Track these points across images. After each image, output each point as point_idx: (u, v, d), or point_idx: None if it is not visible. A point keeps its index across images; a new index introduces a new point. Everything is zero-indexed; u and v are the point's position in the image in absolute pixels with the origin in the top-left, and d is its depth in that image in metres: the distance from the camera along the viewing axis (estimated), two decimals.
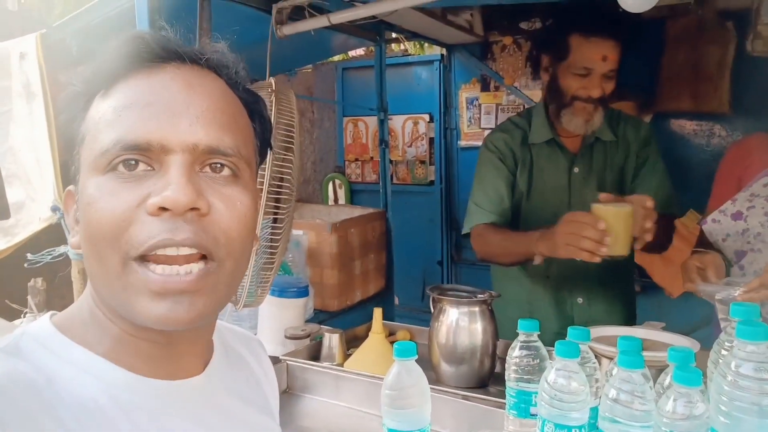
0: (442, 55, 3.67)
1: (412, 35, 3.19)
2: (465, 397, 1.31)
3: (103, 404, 0.58)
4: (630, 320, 1.88)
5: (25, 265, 2.20)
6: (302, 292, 1.77)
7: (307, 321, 1.87)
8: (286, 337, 1.65)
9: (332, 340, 1.63)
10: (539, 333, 1.03)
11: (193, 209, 0.56)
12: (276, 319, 1.71)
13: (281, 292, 1.71)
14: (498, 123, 3.36)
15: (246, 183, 0.63)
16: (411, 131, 3.84)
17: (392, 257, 2.90)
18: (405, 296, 3.40)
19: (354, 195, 4.12)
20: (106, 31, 2.01)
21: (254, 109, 0.68)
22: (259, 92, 0.72)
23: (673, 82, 2.81)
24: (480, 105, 3.56)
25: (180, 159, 0.57)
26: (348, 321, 2.24)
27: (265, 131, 0.71)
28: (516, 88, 3.39)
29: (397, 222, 2.96)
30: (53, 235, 2.19)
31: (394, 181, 3.85)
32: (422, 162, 3.83)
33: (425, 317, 1.61)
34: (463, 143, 3.66)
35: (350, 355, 1.62)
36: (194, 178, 0.58)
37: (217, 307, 0.62)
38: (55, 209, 2.17)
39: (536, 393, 0.94)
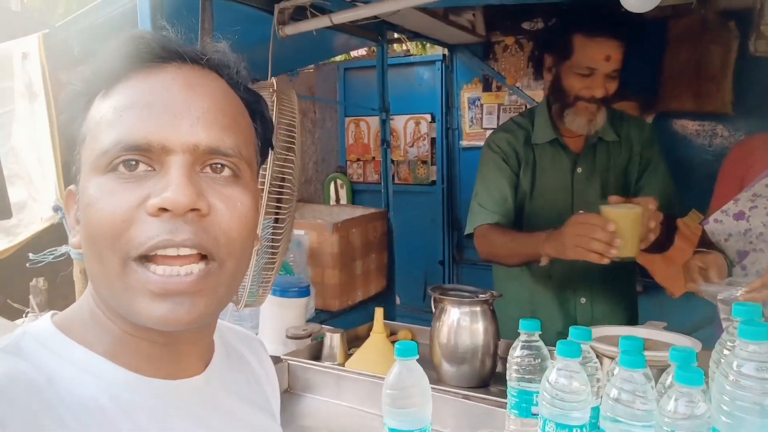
0: (444, 55, 3.67)
1: (414, 35, 3.19)
2: (466, 397, 1.31)
3: (104, 404, 0.58)
4: (632, 320, 1.87)
5: (27, 264, 2.20)
6: (303, 292, 1.77)
7: (309, 321, 1.87)
8: (288, 336, 1.65)
9: (333, 339, 1.63)
10: (540, 333, 1.03)
11: (193, 210, 0.56)
12: (277, 319, 1.71)
13: (282, 291, 1.71)
14: (500, 123, 3.36)
15: (247, 183, 0.63)
16: (413, 131, 3.84)
17: (393, 257, 2.90)
18: (406, 296, 3.40)
19: (355, 195, 4.12)
20: (108, 32, 2.02)
21: (255, 109, 0.68)
22: (260, 92, 0.71)
23: (676, 82, 2.81)
24: (482, 105, 3.56)
25: (180, 159, 0.57)
26: (349, 321, 2.24)
27: (267, 131, 0.70)
28: (518, 88, 3.39)
29: (398, 222, 2.96)
30: (55, 235, 2.20)
31: (396, 181, 3.85)
32: (424, 162, 3.83)
33: (427, 317, 1.61)
34: (464, 143, 3.66)
35: (351, 354, 1.62)
36: (195, 178, 0.58)
37: (218, 307, 0.62)
38: (56, 209, 2.18)
39: (537, 392, 0.94)
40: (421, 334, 1.77)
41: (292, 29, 2.04)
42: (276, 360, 1.50)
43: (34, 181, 2.30)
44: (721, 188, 1.69)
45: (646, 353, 0.86)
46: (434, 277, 3.70)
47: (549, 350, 1.01)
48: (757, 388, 0.70)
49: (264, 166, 1.28)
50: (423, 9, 2.61)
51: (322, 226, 2.44)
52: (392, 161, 3.52)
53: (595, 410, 0.89)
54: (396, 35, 3.23)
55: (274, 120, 1.31)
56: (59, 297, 2.38)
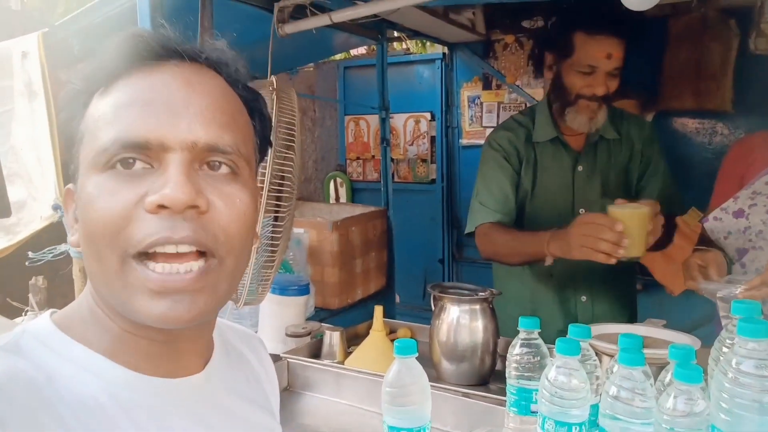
0: (443, 53, 3.67)
1: (414, 34, 3.19)
2: (466, 395, 1.31)
3: (103, 402, 0.58)
4: (632, 318, 1.88)
5: (27, 263, 2.20)
6: (303, 290, 1.77)
7: (308, 319, 1.87)
8: (287, 335, 1.65)
9: (333, 337, 1.63)
10: (540, 330, 1.03)
11: (192, 207, 0.56)
12: (277, 317, 1.71)
13: (282, 290, 1.71)
14: (500, 121, 3.36)
15: (245, 181, 0.63)
16: (412, 130, 3.84)
17: (393, 255, 2.90)
18: (406, 294, 3.41)
19: (355, 193, 4.12)
20: (107, 30, 2.00)
21: (254, 106, 0.68)
22: (260, 91, 0.71)
23: (676, 81, 2.81)
24: (482, 103, 3.56)
25: (179, 157, 0.57)
26: (349, 319, 2.25)
27: (265, 129, 0.70)
28: (518, 86, 3.39)
29: (398, 220, 2.96)
30: (54, 233, 2.20)
31: (396, 179, 3.85)
32: (423, 160, 3.83)
33: (426, 315, 1.61)
34: (464, 142, 3.66)
35: (351, 352, 1.62)
36: (193, 176, 0.58)
37: (218, 305, 0.62)
38: (56, 208, 2.18)
39: (537, 390, 0.94)
40: (420, 332, 1.78)
41: (291, 28, 2.04)
42: (275, 358, 1.50)
43: (34, 180, 2.30)
44: (720, 186, 1.69)
45: (645, 351, 0.86)
46: (434, 276, 3.70)
47: (548, 348, 1.01)
48: (756, 386, 0.70)
49: (263, 164, 1.28)
50: (423, 7, 2.60)
51: (322, 225, 2.44)
52: (392, 160, 3.52)
53: (595, 408, 0.90)
54: (396, 34, 3.22)
55: (273, 118, 1.31)
56: (59, 295, 2.38)
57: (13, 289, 2.40)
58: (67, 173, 0.64)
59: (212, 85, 0.62)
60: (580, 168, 1.78)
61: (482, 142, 1.92)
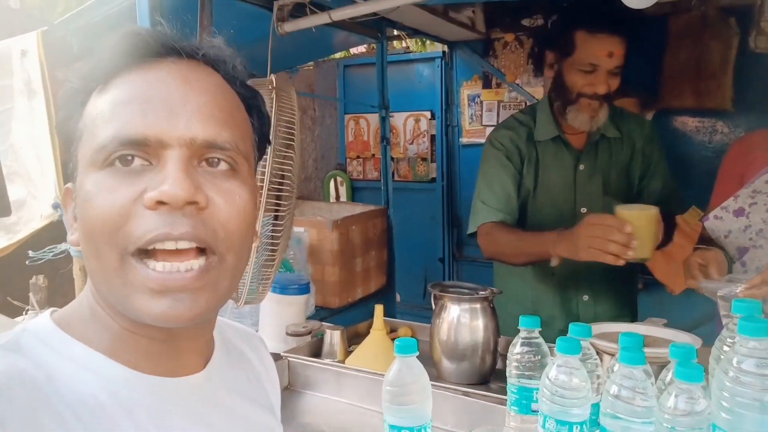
0: (443, 52, 3.67)
1: (414, 32, 3.18)
2: (466, 394, 1.31)
3: (103, 401, 0.57)
4: (633, 317, 1.87)
5: (27, 262, 2.21)
6: (303, 289, 1.77)
7: (309, 318, 1.87)
8: (288, 334, 1.65)
9: (333, 336, 1.63)
10: (541, 330, 1.03)
11: (191, 203, 0.56)
12: (277, 316, 1.71)
13: (282, 289, 1.71)
14: (499, 120, 3.36)
15: (244, 178, 0.62)
16: (412, 128, 3.84)
17: (393, 254, 2.90)
18: (406, 293, 3.40)
19: (355, 192, 4.12)
20: (107, 29, 2.01)
21: (252, 104, 0.68)
22: (259, 89, 0.71)
23: (676, 79, 2.81)
24: (482, 102, 3.55)
25: (177, 153, 0.57)
26: (349, 318, 2.24)
27: (263, 126, 0.70)
28: (518, 85, 3.39)
29: (398, 219, 2.96)
30: (55, 232, 2.20)
31: (396, 178, 3.85)
32: (424, 159, 3.82)
33: (427, 314, 1.61)
34: (464, 140, 3.66)
35: (351, 351, 1.62)
36: (192, 172, 0.58)
37: (219, 303, 0.62)
38: (56, 206, 2.18)
39: (537, 389, 0.94)
40: (421, 331, 1.77)
41: (291, 26, 2.04)
42: (276, 357, 1.50)
43: (34, 179, 2.30)
44: (721, 185, 1.68)
45: (646, 350, 0.86)
46: (434, 275, 3.70)
47: (549, 347, 1.01)
48: (757, 385, 0.70)
49: (263, 162, 1.28)
50: (422, 6, 2.60)
51: (322, 224, 2.44)
52: (392, 158, 3.52)
53: (595, 407, 0.89)
54: (395, 32, 3.22)
55: (273, 117, 1.30)
56: (59, 294, 2.38)
57: (14, 288, 2.40)
58: (67, 172, 0.64)
59: (210, 82, 0.62)
60: (581, 167, 1.78)
61: (482, 140, 1.92)
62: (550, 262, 1.57)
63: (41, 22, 2.64)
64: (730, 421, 0.72)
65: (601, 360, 1.06)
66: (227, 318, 0.89)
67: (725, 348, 0.90)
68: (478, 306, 1.49)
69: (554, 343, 0.93)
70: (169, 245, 0.56)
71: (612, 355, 1.11)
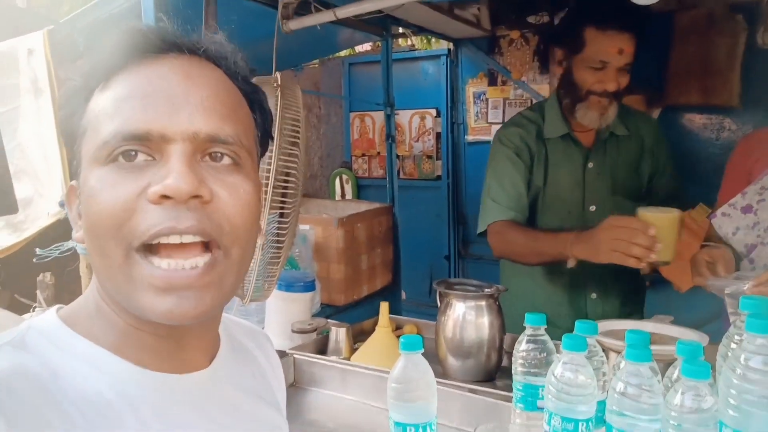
0: (448, 49, 3.66)
1: (419, 30, 3.17)
2: (472, 391, 1.31)
3: (109, 398, 0.57)
4: (640, 315, 1.87)
5: (34, 260, 2.22)
6: (309, 287, 1.77)
7: (314, 315, 1.87)
8: (293, 331, 1.66)
9: (339, 334, 1.63)
10: (547, 327, 1.02)
11: (195, 197, 0.56)
12: (283, 314, 1.72)
13: (288, 286, 1.71)
14: (505, 117, 3.35)
15: (248, 172, 0.62)
16: (418, 126, 3.84)
17: (399, 252, 2.90)
18: (412, 291, 3.40)
19: (361, 190, 4.12)
20: (112, 27, 2.02)
21: (254, 99, 0.68)
22: (264, 87, 0.71)
23: (683, 76, 2.79)
24: (487, 99, 3.54)
25: (180, 148, 0.57)
26: (355, 315, 2.25)
27: (266, 122, 0.70)
28: (523, 82, 3.37)
29: (403, 217, 2.96)
30: (61, 230, 2.21)
31: (401, 176, 3.84)
32: (429, 157, 3.82)
33: (432, 312, 1.61)
34: (470, 138, 3.65)
35: (357, 349, 1.62)
36: (195, 166, 0.58)
37: (224, 299, 0.62)
38: (63, 204, 2.19)
39: (543, 386, 0.94)
40: (426, 328, 1.77)
41: (296, 24, 2.04)
42: (282, 354, 1.50)
43: (40, 177, 2.31)
44: (728, 182, 1.68)
45: (652, 347, 0.86)
46: (440, 272, 3.69)
47: (555, 344, 1.01)
48: (764, 382, 0.70)
49: (268, 160, 1.28)
50: (427, 3, 2.59)
51: (328, 221, 2.44)
52: (397, 156, 3.51)
53: (601, 404, 0.89)
54: (400, 30, 3.21)
55: (278, 115, 1.30)
56: (66, 292, 2.39)
57: (21, 285, 2.41)
58: (72, 170, 0.64)
59: (211, 78, 0.62)
60: (590, 164, 1.77)
61: (488, 138, 1.92)
62: (567, 264, 1.55)
63: (47, 21, 2.65)
64: (738, 419, 0.71)
65: (607, 357, 1.06)
66: (233, 315, 0.89)
67: (732, 345, 0.90)
68: (483, 303, 1.48)
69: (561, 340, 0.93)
70: (174, 239, 0.55)
71: (618, 352, 1.11)
